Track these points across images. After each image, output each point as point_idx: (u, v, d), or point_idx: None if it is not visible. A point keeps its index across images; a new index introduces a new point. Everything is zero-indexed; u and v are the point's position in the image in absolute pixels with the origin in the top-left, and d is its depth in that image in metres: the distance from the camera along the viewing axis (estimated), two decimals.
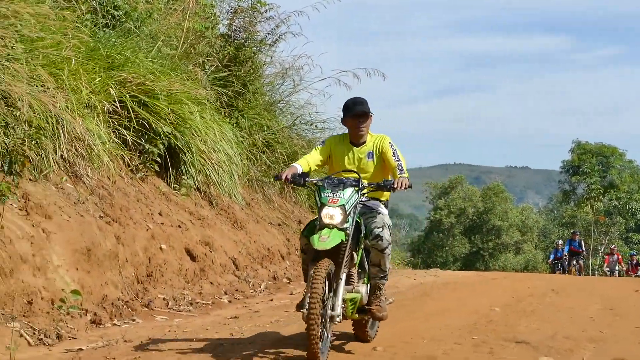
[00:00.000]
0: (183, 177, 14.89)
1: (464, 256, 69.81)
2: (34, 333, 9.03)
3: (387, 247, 8.37)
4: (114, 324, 10.44)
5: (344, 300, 8.03)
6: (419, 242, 75.06)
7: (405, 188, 8.19)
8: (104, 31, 14.89)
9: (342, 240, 7.89)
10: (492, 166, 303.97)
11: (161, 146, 14.14)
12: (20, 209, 10.21)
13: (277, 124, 20.14)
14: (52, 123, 11.20)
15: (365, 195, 8.54)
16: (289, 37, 20.47)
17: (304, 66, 20.91)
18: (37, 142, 10.58)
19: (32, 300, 9.38)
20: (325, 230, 7.90)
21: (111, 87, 13.32)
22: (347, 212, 7.99)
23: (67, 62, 12.40)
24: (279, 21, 20.07)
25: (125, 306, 11.06)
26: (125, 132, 13.57)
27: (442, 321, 11.45)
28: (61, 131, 11.41)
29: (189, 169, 14.92)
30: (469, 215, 71.58)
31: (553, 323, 11.54)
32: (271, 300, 13.72)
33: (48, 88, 11.37)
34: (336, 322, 7.90)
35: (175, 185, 14.91)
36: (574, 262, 35.98)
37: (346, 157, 8.74)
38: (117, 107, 13.37)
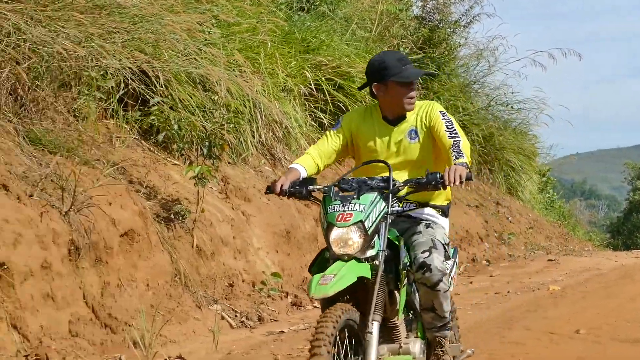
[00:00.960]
0: None
1: None
2: (236, 315, 9.12)
3: (440, 281, 5.37)
4: (315, 307, 10.40)
5: None
6: (618, 223, 72.99)
7: (461, 182, 5.13)
8: (299, 15, 15.01)
9: (364, 278, 5.11)
10: None
11: None
12: (220, 192, 10.33)
13: (472, 105, 20.01)
14: (250, 107, 11.33)
15: (406, 199, 5.53)
16: (483, 18, 20.42)
17: (498, 47, 20.91)
18: (235, 125, 10.69)
19: (233, 282, 9.47)
20: (336, 265, 5.15)
21: (307, 71, 13.43)
22: (370, 232, 5.14)
23: (263, 46, 12.52)
24: (472, 2, 20.17)
25: None
26: (321, 114, 13.61)
27: None
28: (258, 115, 11.54)
29: None
30: None
31: None
32: (470, 282, 13.59)
33: (245, 72, 11.49)
34: None
35: None
36: None
37: (379, 140, 5.67)
38: (313, 90, 13.47)
